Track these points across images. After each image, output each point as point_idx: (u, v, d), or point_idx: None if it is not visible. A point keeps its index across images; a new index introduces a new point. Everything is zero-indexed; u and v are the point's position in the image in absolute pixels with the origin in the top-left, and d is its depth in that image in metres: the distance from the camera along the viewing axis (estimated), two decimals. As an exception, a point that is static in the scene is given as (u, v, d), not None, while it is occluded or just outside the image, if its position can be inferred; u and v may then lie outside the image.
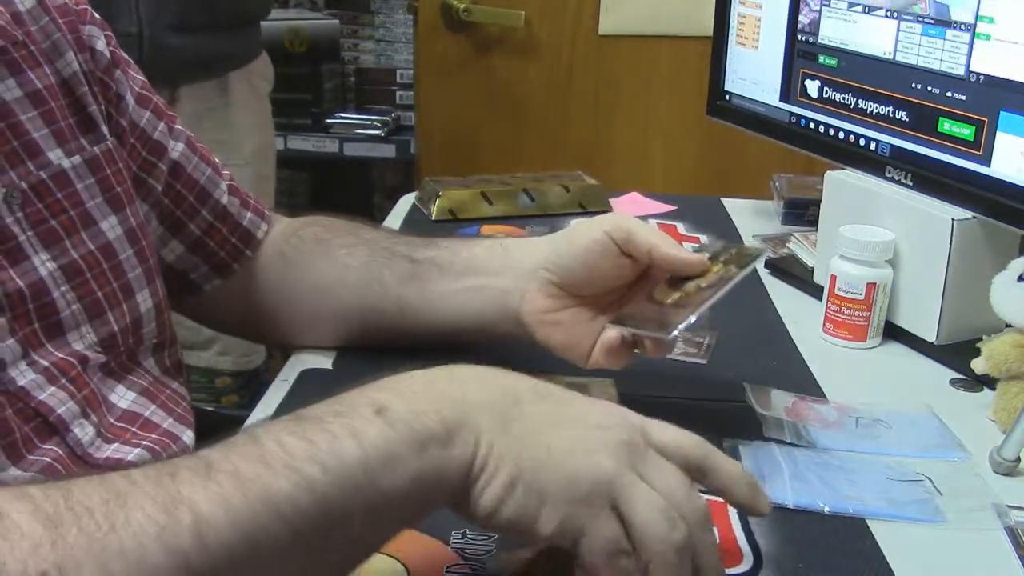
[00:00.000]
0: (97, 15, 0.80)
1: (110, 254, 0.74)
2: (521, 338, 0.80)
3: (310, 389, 0.84)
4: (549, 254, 0.79)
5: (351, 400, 0.52)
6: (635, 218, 0.77)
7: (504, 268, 0.81)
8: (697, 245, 0.78)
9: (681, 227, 1.28)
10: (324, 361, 0.89)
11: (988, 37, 0.90)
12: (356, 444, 0.49)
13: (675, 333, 0.71)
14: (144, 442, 0.74)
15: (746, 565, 0.63)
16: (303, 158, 2.44)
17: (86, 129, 0.75)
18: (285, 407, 0.81)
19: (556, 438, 0.54)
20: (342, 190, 2.65)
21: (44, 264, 0.69)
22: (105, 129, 0.77)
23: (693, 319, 0.71)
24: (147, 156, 0.82)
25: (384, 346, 0.87)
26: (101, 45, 0.79)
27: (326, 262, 0.88)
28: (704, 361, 0.91)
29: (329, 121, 2.39)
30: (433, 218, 1.26)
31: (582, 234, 0.77)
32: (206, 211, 0.87)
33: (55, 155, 0.72)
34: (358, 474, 0.49)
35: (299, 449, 0.48)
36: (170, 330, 0.81)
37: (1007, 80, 0.88)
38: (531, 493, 0.52)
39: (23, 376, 0.67)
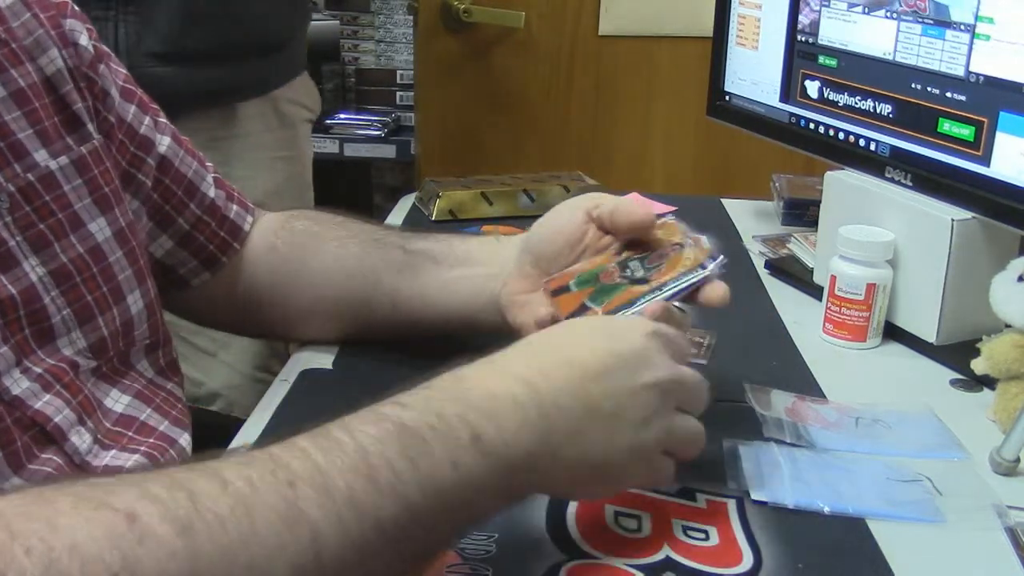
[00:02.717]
0: (76, 7, 0.78)
1: (99, 257, 0.73)
2: (504, 329, 0.80)
3: (310, 389, 0.84)
4: (529, 234, 0.81)
5: (447, 416, 0.54)
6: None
7: (492, 257, 0.83)
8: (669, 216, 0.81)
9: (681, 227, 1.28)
10: (324, 361, 0.89)
11: (988, 37, 0.90)
12: (452, 470, 0.53)
13: None
14: (142, 447, 0.74)
15: (746, 565, 0.63)
16: (303, 158, 2.44)
17: (71, 128, 0.74)
18: (285, 407, 0.81)
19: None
20: (342, 190, 2.65)
21: (34, 269, 0.68)
22: (91, 127, 0.75)
23: None
24: (135, 151, 0.81)
25: (377, 339, 0.88)
26: (84, 40, 0.77)
27: (319, 255, 0.88)
28: (704, 361, 0.91)
29: (329, 121, 2.39)
30: (433, 218, 1.26)
31: (558, 209, 0.80)
32: (194, 205, 0.86)
33: (41, 156, 0.70)
34: (453, 500, 0.53)
35: (405, 471, 0.51)
36: (163, 329, 0.80)
37: (1007, 80, 0.88)
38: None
39: (17, 385, 0.66)
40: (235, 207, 0.89)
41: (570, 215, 0.78)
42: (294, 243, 0.89)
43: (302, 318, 0.90)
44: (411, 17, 2.35)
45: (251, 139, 1.35)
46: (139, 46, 1.18)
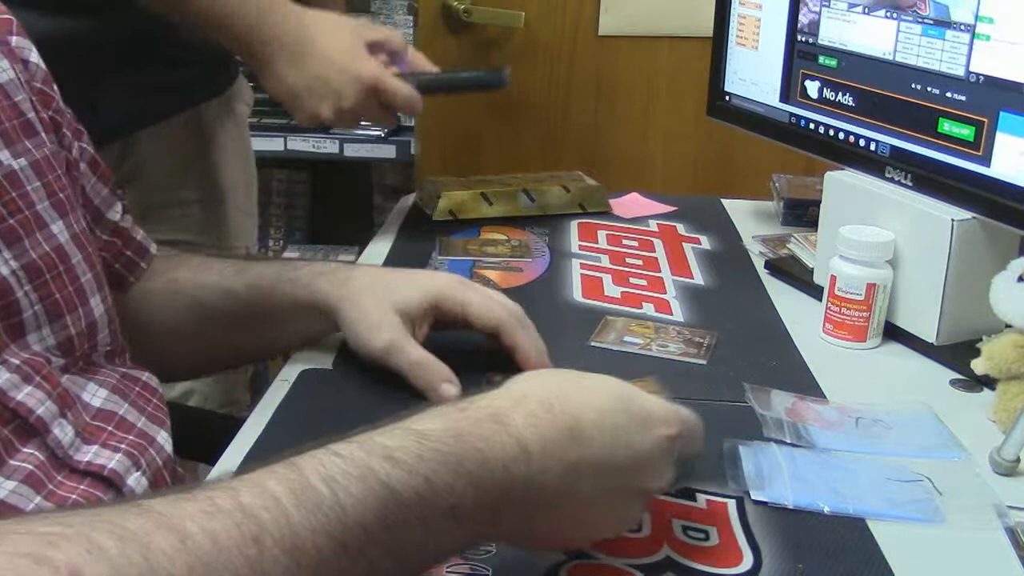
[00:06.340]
0: (20, 24, 0.79)
1: (64, 257, 0.74)
2: None
3: (310, 389, 0.85)
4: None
5: (435, 483, 0.52)
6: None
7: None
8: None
9: (681, 227, 1.28)
10: (324, 361, 0.89)
11: (988, 37, 0.90)
12: (423, 535, 0.52)
13: None
14: (123, 445, 0.73)
15: (746, 565, 0.64)
16: (303, 158, 2.44)
17: (27, 134, 0.75)
18: (285, 407, 0.81)
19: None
20: (342, 190, 2.64)
21: (7, 263, 0.68)
22: (44, 137, 0.76)
23: None
24: (75, 173, 0.83)
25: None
26: (35, 57, 0.79)
27: (160, 279, 0.92)
28: (704, 361, 0.91)
29: (329, 121, 2.39)
30: (433, 218, 1.26)
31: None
32: (100, 229, 0.87)
33: (4, 155, 0.71)
34: (419, 562, 0.53)
35: (377, 537, 0.49)
36: (121, 340, 0.81)
37: (1007, 80, 0.88)
38: None
39: None
40: (142, 232, 0.92)
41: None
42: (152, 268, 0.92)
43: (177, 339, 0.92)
44: (411, 17, 2.35)
45: (213, 140, 1.37)
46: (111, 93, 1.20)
